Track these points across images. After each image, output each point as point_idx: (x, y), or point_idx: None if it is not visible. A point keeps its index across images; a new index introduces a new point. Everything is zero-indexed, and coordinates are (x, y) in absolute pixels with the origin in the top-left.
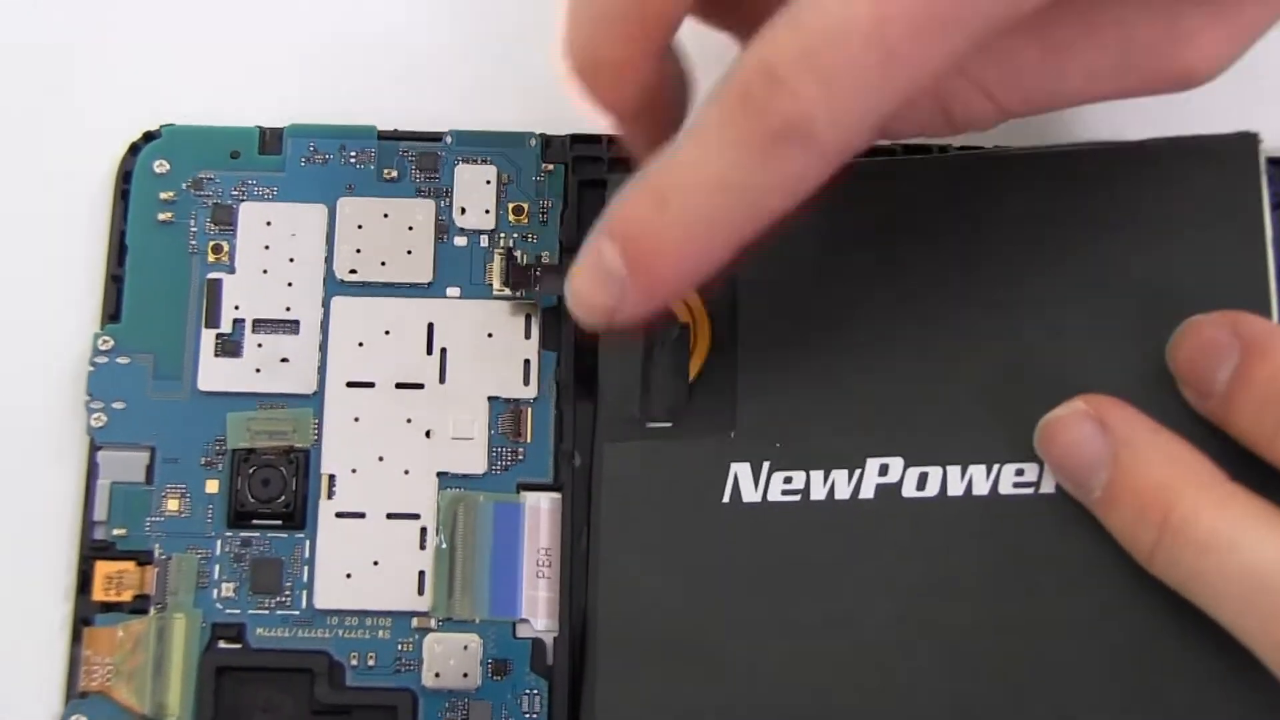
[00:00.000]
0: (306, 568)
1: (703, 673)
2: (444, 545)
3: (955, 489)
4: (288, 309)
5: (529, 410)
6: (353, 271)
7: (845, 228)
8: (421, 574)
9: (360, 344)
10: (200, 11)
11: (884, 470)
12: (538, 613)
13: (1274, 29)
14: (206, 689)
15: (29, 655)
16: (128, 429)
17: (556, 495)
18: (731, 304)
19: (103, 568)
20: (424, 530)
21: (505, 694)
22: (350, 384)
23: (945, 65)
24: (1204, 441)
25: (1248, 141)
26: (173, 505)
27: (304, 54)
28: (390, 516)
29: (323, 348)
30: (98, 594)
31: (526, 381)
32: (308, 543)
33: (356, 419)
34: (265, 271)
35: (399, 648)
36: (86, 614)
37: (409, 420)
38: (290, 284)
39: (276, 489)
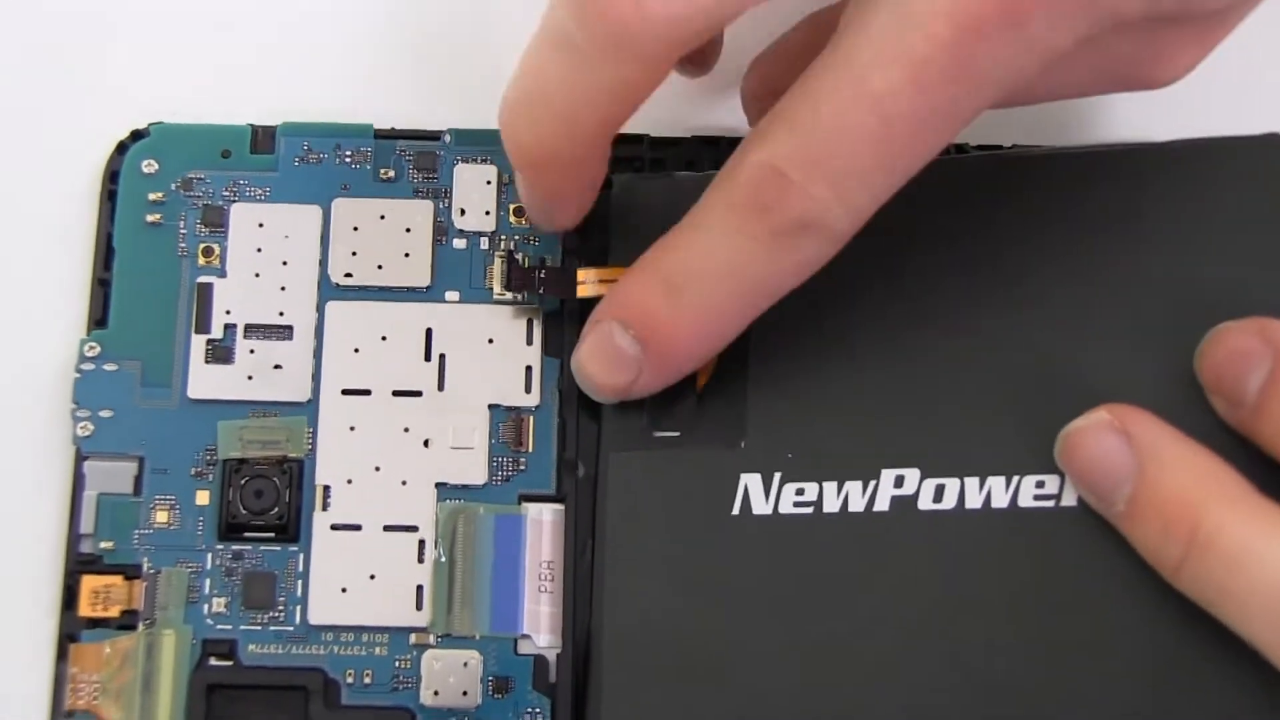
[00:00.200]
0: (300, 582)
1: (711, 692)
2: (443, 558)
3: (973, 501)
4: (281, 314)
5: (531, 419)
6: (348, 275)
7: (858, 231)
8: (420, 588)
9: (356, 350)
10: (190, 5)
11: (899, 482)
12: (540, 628)
13: None
14: (197, 708)
15: (13, 673)
16: (115, 438)
17: (559, 507)
18: None
19: (89, 582)
20: (422, 543)
21: (506, 713)
22: (346, 391)
23: (945, 144)
24: (1232, 453)
25: (1276, 143)
26: (162, 517)
27: (297, 50)
28: (387, 529)
29: (317, 354)
30: (84, 609)
31: (528, 389)
32: (302, 556)
33: (352, 428)
34: (258, 275)
35: (396, 665)
36: (72, 630)
37: (406, 429)
38: (283, 288)
39: (269, 500)
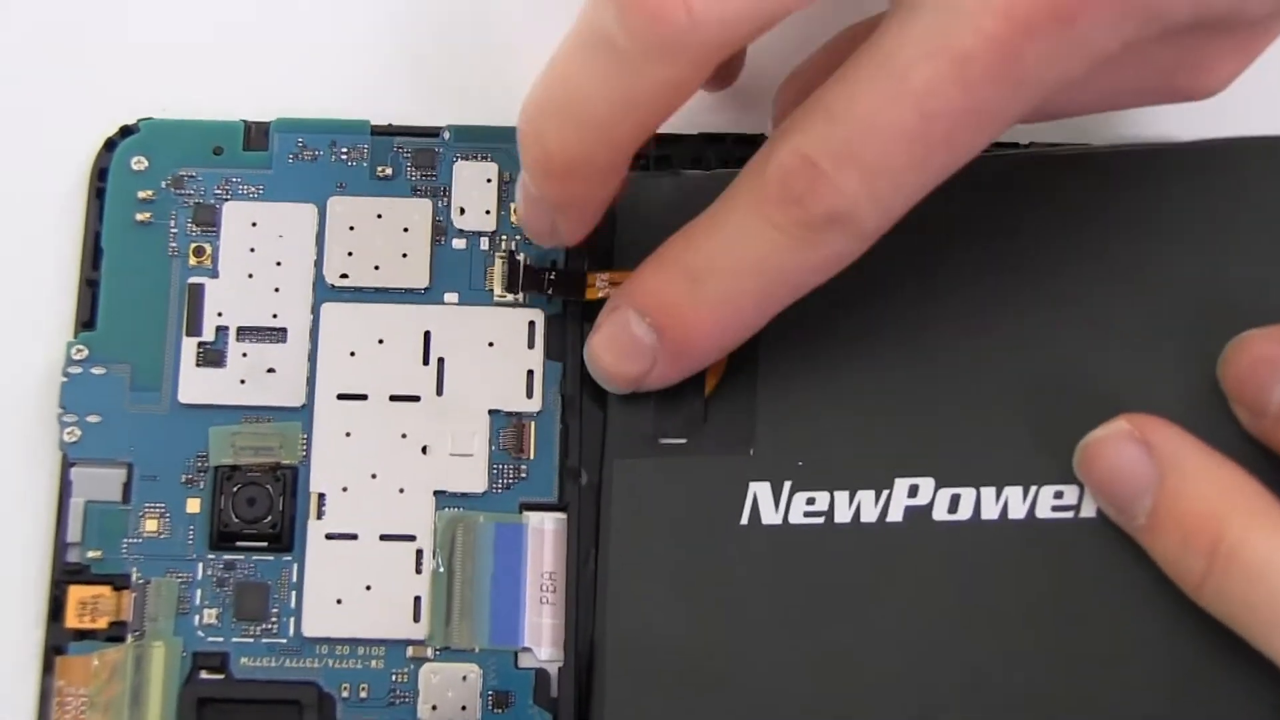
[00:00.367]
0: (294, 593)
1: (719, 706)
2: (441, 569)
3: (990, 512)
4: (274, 316)
5: (532, 424)
6: (344, 276)
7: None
8: (417, 600)
9: (352, 353)
10: None
11: (913, 491)
12: (541, 641)
13: None
14: None
15: None
16: (103, 444)
17: (562, 516)
18: None
19: (76, 593)
20: (420, 553)
21: None
22: (341, 396)
23: (981, 147)
24: (1256, 464)
25: None
26: (151, 526)
27: (292, 44)
28: (384, 538)
29: (312, 357)
30: (71, 621)
31: (530, 394)
32: (295, 566)
33: (348, 434)
34: (250, 276)
35: (393, 678)
36: (59, 642)
37: (404, 435)
38: (277, 289)
39: (262, 509)
